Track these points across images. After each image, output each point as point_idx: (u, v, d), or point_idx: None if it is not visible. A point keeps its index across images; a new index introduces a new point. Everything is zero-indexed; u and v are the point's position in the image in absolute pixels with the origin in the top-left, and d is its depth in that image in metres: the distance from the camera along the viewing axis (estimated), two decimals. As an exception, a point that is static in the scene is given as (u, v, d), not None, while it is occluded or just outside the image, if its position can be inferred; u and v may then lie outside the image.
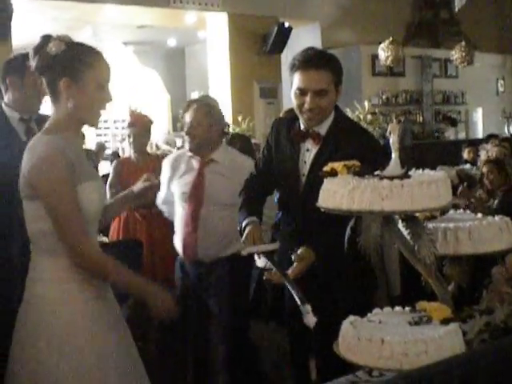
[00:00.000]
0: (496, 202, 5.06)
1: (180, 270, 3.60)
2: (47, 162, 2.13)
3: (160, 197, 3.60)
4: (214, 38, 10.86)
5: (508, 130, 14.30)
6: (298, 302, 2.25)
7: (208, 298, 3.51)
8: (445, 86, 14.23)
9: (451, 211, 2.21)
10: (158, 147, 9.63)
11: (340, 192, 1.81)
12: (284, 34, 10.49)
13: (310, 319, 2.22)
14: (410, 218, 1.90)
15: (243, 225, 2.69)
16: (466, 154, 9.00)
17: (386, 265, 4.17)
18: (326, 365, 2.53)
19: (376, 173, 1.89)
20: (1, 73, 3.30)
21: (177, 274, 3.63)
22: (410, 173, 1.88)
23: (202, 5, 10.16)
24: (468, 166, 8.24)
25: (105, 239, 4.46)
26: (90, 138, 10.43)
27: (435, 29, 14.22)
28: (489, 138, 9.36)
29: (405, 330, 1.79)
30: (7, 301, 3.11)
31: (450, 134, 14.10)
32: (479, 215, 2.17)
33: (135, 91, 11.97)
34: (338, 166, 1.92)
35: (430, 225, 2.02)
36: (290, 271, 2.48)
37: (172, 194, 3.55)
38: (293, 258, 2.52)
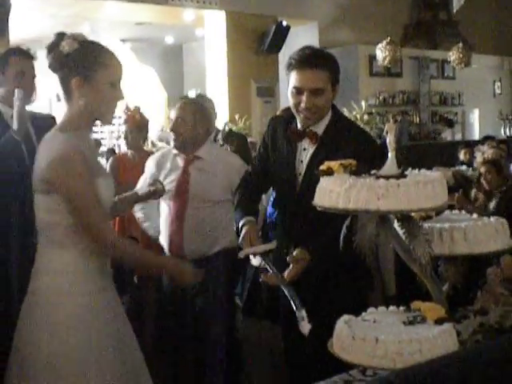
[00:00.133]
0: (493, 203, 5.05)
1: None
2: (66, 160, 2.18)
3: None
4: (211, 36, 10.85)
5: (504, 132, 14.31)
6: (294, 308, 2.25)
7: (195, 295, 3.50)
8: (442, 87, 14.25)
9: (447, 211, 2.21)
10: (154, 144, 9.61)
11: (336, 191, 1.81)
12: (282, 33, 10.48)
13: (305, 326, 2.22)
14: (405, 218, 1.90)
15: (240, 225, 2.68)
16: (462, 156, 9.02)
17: (381, 264, 4.18)
18: (319, 363, 2.53)
19: (372, 172, 1.89)
20: None
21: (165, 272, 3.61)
22: (406, 172, 1.88)
23: (201, 2, 10.15)
24: (464, 167, 8.25)
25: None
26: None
27: (433, 30, 14.23)
28: (485, 139, 9.37)
29: (399, 329, 1.79)
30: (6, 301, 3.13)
31: (447, 135, 14.13)
32: (475, 216, 2.18)
33: (132, 88, 11.93)
34: (334, 164, 1.92)
35: (426, 225, 2.02)
36: (285, 274, 2.48)
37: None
38: (288, 259, 2.51)
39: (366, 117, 9.84)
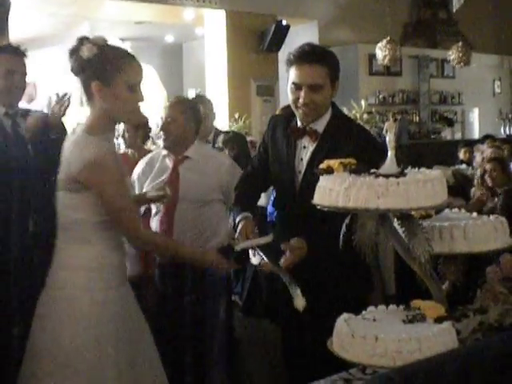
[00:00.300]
0: (498, 201, 5.02)
1: (158, 268, 3.56)
2: (101, 164, 2.26)
3: None
4: (211, 35, 10.84)
5: (504, 131, 14.31)
6: (288, 285, 2.26)
7: (186, 295, 3.48)
8: (442, 86, 14.22)
9: (446, 210, 2.21)
10: (154, 142, 9.61)
11: (336, 189, 1.81)
12: (282, 32, 10.48)
13: (300, 301, 2.23)
14: (405, 217, 1.90)
15: (236, 221, 2.69)
16: (461, 155, 9.02)
17: (380, 263, 4.18)
18: (319, 362, 2.53)
19: (372, 171, 1.89)
20: None
21: (156, 272, 3.59)
22: (405, 171, 1.88)
23: (200, 1, 10.14)
24: (464, 166, 8.26)
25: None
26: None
27: (433, 29, 14.21)
28: (484, 138, 9.37)
29: (399, 327, 1.79)
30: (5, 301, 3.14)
31: (447, 134, 14.11)
32: (474, 214, 2.18)
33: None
34: (334, 163, 1.93)
35: (426, 223, 2.03)
36: (281, 261, 2.48)
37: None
38: (282, 247, 2.51)
39: (365, 116, 9.83)
